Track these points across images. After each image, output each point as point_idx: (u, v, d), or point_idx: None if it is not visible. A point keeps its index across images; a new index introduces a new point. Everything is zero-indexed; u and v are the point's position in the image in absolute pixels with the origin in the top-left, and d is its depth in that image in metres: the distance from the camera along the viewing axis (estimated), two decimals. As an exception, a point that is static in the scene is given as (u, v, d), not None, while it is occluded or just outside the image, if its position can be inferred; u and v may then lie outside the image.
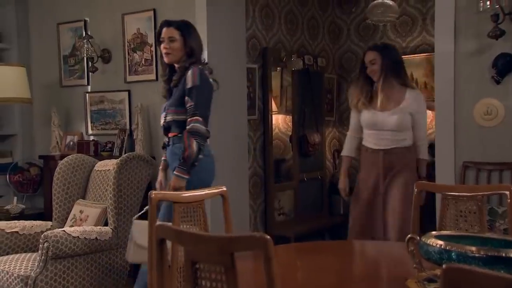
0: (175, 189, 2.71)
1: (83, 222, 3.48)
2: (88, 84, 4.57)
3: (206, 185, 2.68)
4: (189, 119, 2.80)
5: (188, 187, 2.69)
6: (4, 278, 3.00)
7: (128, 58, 4.30)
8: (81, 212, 3.54)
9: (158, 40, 3.03)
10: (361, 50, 5.44)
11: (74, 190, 3.68)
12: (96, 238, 3.22)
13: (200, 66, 2.89)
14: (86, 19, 4.50)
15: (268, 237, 1.19)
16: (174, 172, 2.79)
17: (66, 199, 3.65)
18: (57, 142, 4.61)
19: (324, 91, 5.22)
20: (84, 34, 4.45)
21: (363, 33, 5.43)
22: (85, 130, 4.61)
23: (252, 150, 4.46)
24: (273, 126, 4.68)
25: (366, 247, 2.58)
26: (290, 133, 4.93)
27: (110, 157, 4.15)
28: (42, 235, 3.04)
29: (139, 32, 4.24)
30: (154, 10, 4.12)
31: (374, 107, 3.32)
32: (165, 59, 2.96)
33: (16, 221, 3.50)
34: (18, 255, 3.23)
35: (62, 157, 4.39)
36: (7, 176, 4.46)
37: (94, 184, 3.68)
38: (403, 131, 3.28)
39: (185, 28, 2.94)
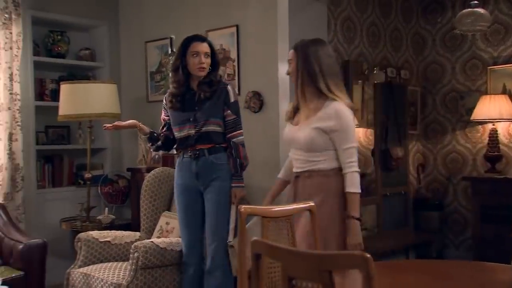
0: (243, 198, 3.05)
1: (169, 233, 3.57)
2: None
3: None
4: (235, 132, 3.06)
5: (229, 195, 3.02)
6: (99, 285, 3.15)
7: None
8: (167, 223, 3.64)
9: (182, 52, 3.07)
10: (448, 61, 5.26)
11: (160, 202, 3.80)
12: (181, 249, 3.30)
13: (227, 84, 3.15)
14: (172, 36, 4.66)
15: (369, 255, 1.16)
16: (234, 184, 3.02)
17: (153, 210, 3.77)
18: (144, 156, 4.79)
19: (407, 104, 5.08)
20: (169, 51, 4.62)
21: (450, 43, 5.23)
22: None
23: (333, 164, 4.40)
24: (354, 140, 4.60)
25: (463, 268, 2.45)
26: (371, 147, 4.83)
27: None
28: (132, 246, 3.16)
29: (222, 48, 4.33)
30: (237, 26, 4.21)
31: (296, 120, 2.74)
32: (201, 73, 3.06)
33: (107, 231, 3.67)
34: (110, 263, 3.37)
35: (148, 170, 4.56)
36: (99, 188, 4.68)
37: (179, 196, 3.78)
38: (314, 151, 2.59)
39: (213, 44, 3.16)
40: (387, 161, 4.77)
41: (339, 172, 2.57)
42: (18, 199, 4.25)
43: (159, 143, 3.24)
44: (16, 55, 4.24)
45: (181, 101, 3.10)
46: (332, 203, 2.53)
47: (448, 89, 5.28)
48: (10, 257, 3.50)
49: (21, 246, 3.45)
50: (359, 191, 2.56)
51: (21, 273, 3.35)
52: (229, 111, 3.03)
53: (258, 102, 4.09)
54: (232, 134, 3.04)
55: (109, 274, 3.18)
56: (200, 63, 3.02)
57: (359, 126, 4.70)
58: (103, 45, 4.99)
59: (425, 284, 1.92)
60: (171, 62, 4.48)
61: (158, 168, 3.95)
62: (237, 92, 3.21)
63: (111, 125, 3.19)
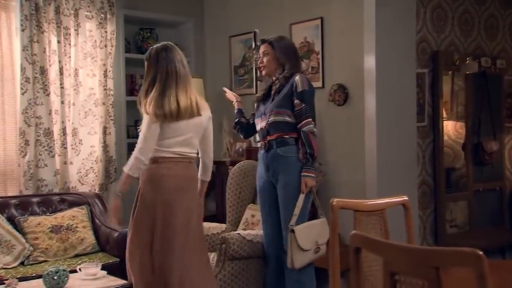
0: (310, 188, 2.99)
1: (255, 226, 3.61)
2: (256, 92, 4.76)
3: None
4: (304, 121, 3.02)
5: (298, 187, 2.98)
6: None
7: (295, 67, 4.39)
8: (252, 216, 3.69)
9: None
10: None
11: (245, 195, 3.84)
12: (268, 242, 3.33)
13: (303, 74, 3.15)
14: (255, 30, 4.71)
15: (481, 252, 1.10)
16: (304, 173, 2.97)
17: (238, 203, 3.82)
18: (228, 149, 4.87)
19: (503, 95, 4.80)
20: (253, 45, 4.66)
21: (552, 30, 4.88)
22: (252, 137, 4.80)
23: (420, 158, 4.26)
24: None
25: None
26: (461, 141, 4.61)
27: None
28: (220, 237, 3.22)
29: (306, 41, 4.31)
30: (322, 19, 4.16)
31: None
32: (262, 72, 3.25)
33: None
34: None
35: (232, 163, 4.63)
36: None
37: (264, 189, 3.80)
38: None
39: (277, 43, 3.18)
40: (479, 155, 4.54)
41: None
42: (112, 189, 4.48)
43: (242, 124, 3.41)
44: (110, 53, 4.46)
45: (263, 96, 3.23)
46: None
47: (548, 79, 4.93)
48: (106, 244, 3.70)
49: (116, 234, 3.63)
50: (125, 170, 2.75)
51: (117, 259, 3.53)
52: (297, 101, 3.04)
53: (342, 95, 4.03)
54: (301, 123, 3.04)
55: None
56: (260, 62, 3.26)
57: (447, 119, 4.51)
58: (189, 40, 5.12)
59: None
60: (255, 56, 4.55)
61: (243, 161, 4.01)
62: (307, 82, 3.11)
63: (228, 91, 3.52)
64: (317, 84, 4.22)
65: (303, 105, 3.02)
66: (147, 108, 2.71)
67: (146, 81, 2.79)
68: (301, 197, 2.97)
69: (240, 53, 4.86)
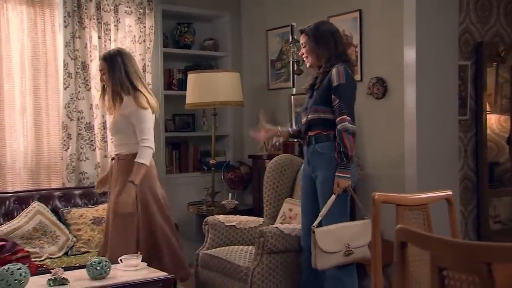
0: (344, 190, 2.86)
1: (292, 220, 3.60)
2: (293, 86, 4.74)
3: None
4: (338, 118, 2.85)
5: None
6: (227, 267, 3.27)
7: (333, 60, 4.34)
8: (290, 210, 3.68)
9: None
10: None
11: (283, 189, 3.84)
12: (305, 236, 3.32)
13: (343, 65, 2.90)
14: (292, 24, 4.68)
15: (536, 248, 1.06)
16: (337, 173, 2.85)
17: (275, 197, 3.82)
18: (264, 143, 4.86)
19: (552, 87, 4.62)
20: (290, 39, 4.64)
21: None
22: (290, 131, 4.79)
23: (462, 152, 4.16)
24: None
25: None
26: (505, 134, 4.48)
27: (314, 157, 4.24)
28: (258, 231, 3.23)
29: (344, 34, 4.25)
30: (360, 11, 4.10)
31: None
32: (307, 64, 3.11)
33: (232, 216, 3.79)
34: (236, 247, 3.49)
35: (268, 157, 4.63)
36: (222, 174, 4.85)
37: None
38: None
39: (318, 35, 2.99)
40: (526, 150, 4.40)
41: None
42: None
43: (299, 136, 3.28)
44: (148, 48, 4.51)
45: (309, 89, 3.16)
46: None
47: None
48: (145, 236, 3.75)
49: (155, 227, 3.68)
50: (146, 163, 3.08)
51: (156, 251, 3.58)
52: (333, 96, 2.89)
53: (381, 88, 3.97)
54: (336, 120, 2.89)
55: (236, 257, 3.29)
56: (301, 53, 3.14)
57: (491, 112, 4.39)
58: (225, 34, 5.13)
59: None
60: (292, 50, 4.52)
61: (280, 155, 4.00)
62: (344, 73, 2.88)
63: (258, 134, 3.32)
64: (355, 77, 4.15)
65: (337, 100, 2.86)
66: (143, 102, 3.07)
67: (118, 79, 3.13)
68: (332, 197, 2.88)
69: (277, 47, 4.84)
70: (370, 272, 3.87)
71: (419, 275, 1.80)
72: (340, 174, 2.85)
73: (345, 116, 2.84)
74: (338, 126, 2.86)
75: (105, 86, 3.25)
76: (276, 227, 3.27)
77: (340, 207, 2.92)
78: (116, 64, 3.14)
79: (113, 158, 3.32)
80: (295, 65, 4.56)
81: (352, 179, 2.91)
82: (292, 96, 4.72)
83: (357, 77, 4.14)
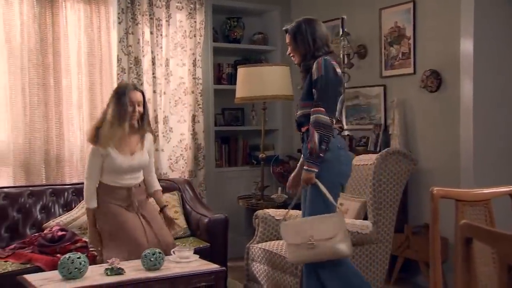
0: (306, 183, 2.72)
1: (344, 214, 3.56)
2: (343, 80, 4.68)
3: (347, 177, 2.85)
4: (312, 109, 2.71)
5: (327, 182, 2.71)
6: (278, 261, 3.27)
7: (384, 53, 4.27)
8: (341, 204, 3.63)
9: None
10: None
11: (333, 183, 3.80)
12: (357, 231, 3.28)
13: (325, 57, 2.77)
14: (343, 17, 4.62)
15: None
16: (304, 166, 2.73)
17: (326, 191, 3.79)
18: (313, 137, 4.84)
19: None
20: (341, 32, 4.58)
21: None
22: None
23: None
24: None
25: None
26: None
27: (365, 152, 4.19)
28: (309, 224, 3.21)
29: (396, 26, 4.17)
30: (414, 2, 4.00)
31: None
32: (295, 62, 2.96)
33: (282, 210, 3.78)
34: (286, 240, 3.48)
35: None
36: (271, 168, 4.85)
37: (353, 178, 3.73)
38: None
39: (295, 33, 2.87)
40: None
41: None
42: (200, 176, 4.60)
43: None
44: (198, 42, 4.56)
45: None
46: None
47: None
48: (197, 229, 3.81)
49: (206, 220, 3.73)
50: None
51: (207, 244, 3.63)
52: (313, 90, 2.75)
53: (435, 81, 3.86)
54: (311, 112, 2.71)
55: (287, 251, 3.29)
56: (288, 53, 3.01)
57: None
58: (275, 28, 5.12)
59: None
60: (342, 43, 4.47)
61: (330, 149, 3.95)
62: (323, 66, 2.70)
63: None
64: (407, 70, 4.08)
65: (316, 93, 2.72)
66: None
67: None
68: (299, 190, 2.83)
69: (327, 40, 4.79)
70: (423, 269, 3.80)
71: (481, 273, 1.74)
72: (305, 167, 2.73)
73: (319, 108, 2.69)
74: (311, 119, 2.71)
75: (134, 122, 3.20)
76: (327, 222, 3.23)
77: (314, 203, 2.78)
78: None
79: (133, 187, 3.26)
80: (346, 59, 4.51)
81: (336, 175, 2.79)
82: (342, 90, 4.66)
83: (410, 70, 4.06)
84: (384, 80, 4.30)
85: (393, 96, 4.15)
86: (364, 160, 3.70)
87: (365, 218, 3.46)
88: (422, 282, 3.95)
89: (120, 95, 3.13)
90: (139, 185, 3.27)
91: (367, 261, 3.33)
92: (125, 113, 3.11)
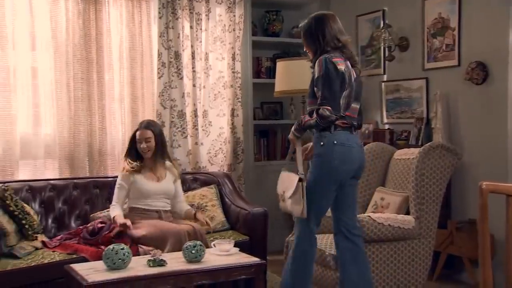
0: (291, 142, 2.93)
1: (385, 209, 3.52)
2: (384, 73, 4.61)
3: (344, 173, 2.83)
4: (319, 107, 2.75)
5: (315, 176, 2.84)
6: (318, 255, 3.26)
7: (427, 45, 4.17)
8: (382, 199, 3.59)
9: None
10: None
11: (374, 178, 3.75)
12: (398, 226, 3.23)
13: (327, 55, 2.78)
14: (384, 8, 4.54)
15: None
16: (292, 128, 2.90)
17: (366, 185, 3.74)
18: (353, 131, 4.78)
19: None
20: (382, 24, 4.50)
21: None
22: (380, 118, 4.67)
23: None
24: None
25: None
26: None
27: (406, 146, 4.11)
28: (349, 219, 3.18)
29: (440, 17, 4.06)
30: (459, -9, 3.90)
31: None
32: None
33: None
34: (327, 235, 3.46)
35: (358, 145, 4.54)
36: (309, 161, 4.80)
37: (394, 172, 3.69)
38: None
39: (305, 32, 2.94)
40: None
41: None
42: (239, 170, 4.62)
43: None
44: (238, 36, 4.57)
45: None
46: None
47: None
48: (236, 223, 3.82)
49: (245, 213, 3.74)
50: None
51: (247, 237, 3.64)
52: (315, 88, 2.81)
53: (481, 73, 3.76)
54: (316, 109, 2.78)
55: (327, 246, 3.27)
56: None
57: None
58: (314, 22, 5.06)
59: None
60: (383, 35, 4.38)
61: (371, 143, 3.91)
62: (323, 65, 2.74)
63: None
64: (451, 62, 3.98)
65: (319, 92, 2.76)
66: None
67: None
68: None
69: (367, 32, 4.72)
70: (467, 266, 3.71)
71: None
72: (292, 129, 2.91)
73: (326, 107, 2.72)
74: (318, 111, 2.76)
75: (147, 157, 3.51)
76: (369, 216, 3.20)
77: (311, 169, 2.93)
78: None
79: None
80: (387, 51, 4.43)
81: (327, 172, 2.84)
82: (383, 83, 4.59)
83: (454, 62, 3.96)
84: (426, 72, 4.21)
85: (436, 89, 4.05)
86: (406, 154, 3.64)
87: (407, 213, 3.40)
88: (466, 279, 3.87)
89: (133, 135, 3.54)
90: (168, 211, 3.54)
91: (409, 256, 3.27)
92: (134, 150, 3.52)
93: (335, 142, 2.80)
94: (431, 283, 3.77)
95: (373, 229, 3.14)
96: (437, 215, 3.34)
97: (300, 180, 2.82)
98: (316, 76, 2.79)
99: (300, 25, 3.03)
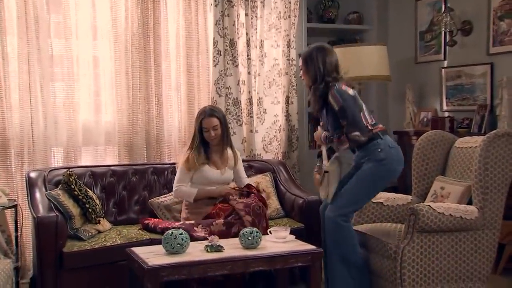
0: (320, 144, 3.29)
1: (445, 198, 3.41)
2: (444, 59, 4.46)
3: (398, 173, 3.19)
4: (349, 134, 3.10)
5: (381, 178, 3.14)
6: (375, 244, 3.21)
7: (493, 28, 3.99)
8: (442, 188, 3.48)
9: None
10: None
11: (433, 166, 3.64)
12: (460, 216, 3.12)
13: (336, 86, 3.11)
14: (446, -9, 4.38)
15: None
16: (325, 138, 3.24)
17: (425, 174, 3.64)
18: (411, 118, 4.67)
19: None
20: (443, 8, 4.34)
21: None
22: (439, 106, 4.53)
23: None
24: None
25: None
26: None
27: (468, 134, 3.96)
28: (408, 208, 3.10)
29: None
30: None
31: None
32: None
33: (381, 193, 3.68)
34: (384, 224, 3.40)
35: (416, 133, 4.43)
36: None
37: (455, 161, 3.56)
38: None
39: (306, 58, 3.21)
40: None
41: None
42: (293, 158, 4.60)
43: None
44: (293, 23, 4.52)
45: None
46: None
47: None
48: (291, 210, 3.81)
49: (301, 201, 3.73)
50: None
51: (302, 225, 3.63)
52: (341, 120, 3.15)
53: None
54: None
55: (384, 234, 3.21)
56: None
57: None
58: (371, 6, 4.97)
59: None
60: (444, 19, 4.22)
61: (430, 131, 3.78)
62: (338, 96, 3.09)
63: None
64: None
65: (344, 121, 3.10)
66: None
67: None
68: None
69: (427, 17, 4.57)
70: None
71: None
72: (322, 136, 3.27)
73: (356, 133, 3.09)
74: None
75: (214, 144, 3.58)
76: (429, 205, 3.10)
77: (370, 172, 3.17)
78: None
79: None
80: (448, 36, 4.27)
81: (387, 171, 3.15)
82: (443, 70, 4.44)
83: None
84: (491, 57, 4.03)
85: (502, 75, 3.88)
86: (468, 143, 3.51)
87: (469, 203, 3.28)
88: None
89: (197, 123, 3.55)
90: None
91: (471, 248, 3.16)
92: (200, 139, 3.53)
93: (390, 145, 3.13)
94: (495, 277, 3.64)
95: (433, 218, 3.05)
96: (502, 206, 3.20)
97: (326, 171, 3.20)
98: (337, 108, 3.09)
99: (302, 51, 3.36)
